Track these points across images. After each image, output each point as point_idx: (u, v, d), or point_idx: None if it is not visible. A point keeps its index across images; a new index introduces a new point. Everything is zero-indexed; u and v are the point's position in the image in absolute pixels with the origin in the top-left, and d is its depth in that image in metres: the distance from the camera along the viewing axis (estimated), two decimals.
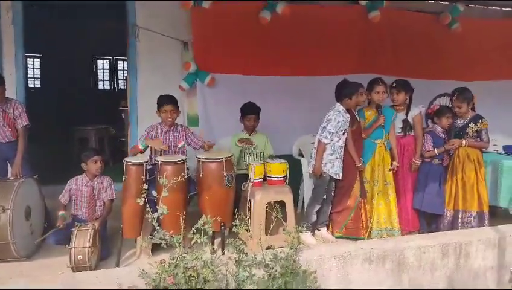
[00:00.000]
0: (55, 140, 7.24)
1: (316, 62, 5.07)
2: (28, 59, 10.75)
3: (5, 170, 3.87)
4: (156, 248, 3.40)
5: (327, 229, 3.98)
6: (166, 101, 3.76)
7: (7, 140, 3.81)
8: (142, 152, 3.66)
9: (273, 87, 4.94)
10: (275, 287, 2.22)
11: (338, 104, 3.83)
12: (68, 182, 3.63)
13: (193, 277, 1.97)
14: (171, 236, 2.13)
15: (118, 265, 3.26)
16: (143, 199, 2.24)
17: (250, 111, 4.14)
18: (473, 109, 4.13)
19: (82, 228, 3.18)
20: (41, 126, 5.39)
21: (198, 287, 1.92)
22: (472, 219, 3.97)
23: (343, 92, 3.82)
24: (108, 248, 3.51)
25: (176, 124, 3.86)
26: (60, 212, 3.48)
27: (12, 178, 3.62)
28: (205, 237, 2.14)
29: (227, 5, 4.61)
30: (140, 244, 3.30)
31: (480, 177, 4.01)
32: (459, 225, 3.96)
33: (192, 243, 2.16)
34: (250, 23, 4.73)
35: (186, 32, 4.77)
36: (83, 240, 3.08)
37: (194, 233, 2.14)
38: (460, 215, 3.99)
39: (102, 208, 3.60)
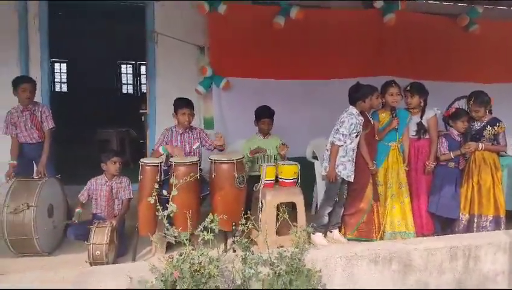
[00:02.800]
0: (78, 142, 7.52)
1: (330, 66, 5.10)
2: (56, 64, 11.22)
3: (31, 169, 4.08)
4: (170, 247, 3.54)
5: (339, 231, 4.00)
6: (184, 105, 3.88)
7: (34, 141, 4.02)
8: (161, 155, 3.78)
9: (287, 91, 5.01)
10: (279, 284, 2.28)
11: (351, 106, 3.85)
12: (88, 182, 3.81)
13: (198, 271, 2.06)
14: (179, 233, 2.22)
15: (134, 261, 3.39)
16: (154, 198, 2.34)
17: (264, 115, 4.21)
18: (490, 111, 4.09)
19: (100, 225, 3.33)
20: (66, 129, 5.62)
21: (203, 281, 2.01)
22: (488, 223, 3.91)
23: (357, 95, 3.84)
24: (125, 245, 3.66)
25: (191, 126, 3.98)
26: (77, 209, 3.65)
27: (36, 177, 3.83)
28: (212, 234, 2.22)
29: (242, 10, 4.71)
30: (155, 242, 3.42)
31: (496, 181, 3.95)
32: (474, 229, 3.91)
33: (199, 239, 2.25)
34: (265, 28, 4.81)
35: (202, 37, 4.91)
36: (100, 237, 3.23)
37: (201, 230, 2.23)
38: (475, 220, 3.94)
39: (120, 207, 3.75)
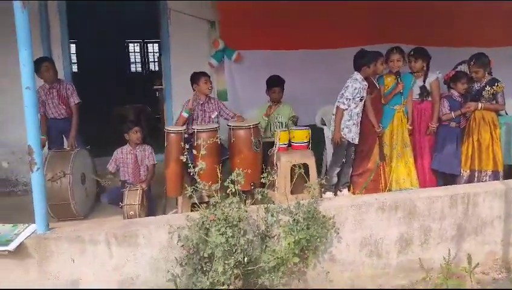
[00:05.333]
0: (98, 119, 7.80)
1: (338, 35, 5.25)
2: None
3: (62, 142, 4.42)
4: (194, 208, 3.86)
5: (348, 190, 4.31)
6: (203, 74, 4.20)
7: (62, 116, 4.35)
8: (187, 119, 4.05)
9: (296, 61, 5.20)
10: (298, 229, 2.59)
11: (356, 72, 4.06)
12: (114, 152, 4.13)
13: (230, 215, 2.38)
14: (210, 186, 2.53)
15: None
16: (186, 156, 2.65)
17: (274, 84, 4.45)
18: (490, 73, 4.31)
19: (132, 188, 3.67)
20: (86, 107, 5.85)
21: (235, 223, 2.33)
22: (487, 177, 4.19)
23: (361, 60, 4.04)
24: (153, 208, 4.02)
25: (210, 96, 4.25)
26: (108, 176, 4.00)
27: (68, 148, 4.15)
28: (238, 186, 2.53)
29: None
30: (181, 202, 3.74)
31: (495, 138, 4.21)
32: None
33: (228, 191, 2.56)
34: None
35: (214, 11, 5.09)
36: (133, 198, 3.57)
37: (229, 183, 2.54)
38: (476, 175, 4.23)
39: (146, 173, 4.08)
